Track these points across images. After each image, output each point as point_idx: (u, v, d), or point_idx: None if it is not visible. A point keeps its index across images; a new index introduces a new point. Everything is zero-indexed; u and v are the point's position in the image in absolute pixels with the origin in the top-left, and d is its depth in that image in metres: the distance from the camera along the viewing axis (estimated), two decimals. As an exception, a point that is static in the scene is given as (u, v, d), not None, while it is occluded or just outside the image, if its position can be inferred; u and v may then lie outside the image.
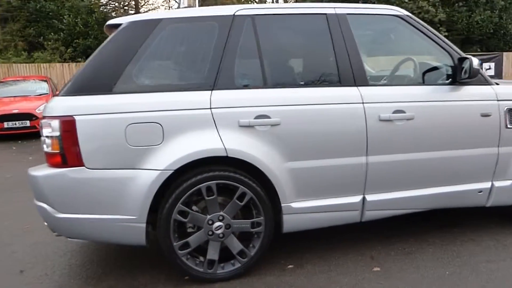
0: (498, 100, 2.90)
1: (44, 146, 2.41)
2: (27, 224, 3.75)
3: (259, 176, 2.54)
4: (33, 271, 2.81)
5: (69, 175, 2.33)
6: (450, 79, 2.89)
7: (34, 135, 9.50)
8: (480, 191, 2.98)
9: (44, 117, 2.41)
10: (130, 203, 2.38)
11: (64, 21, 16.27)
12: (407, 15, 2.87)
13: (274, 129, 2.51)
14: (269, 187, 2.57)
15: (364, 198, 2.75)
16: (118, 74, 2.40)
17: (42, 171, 2.37)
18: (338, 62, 2.67)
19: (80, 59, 15.65)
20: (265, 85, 2.57)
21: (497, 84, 3.00)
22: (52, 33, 16.18)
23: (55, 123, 2.32)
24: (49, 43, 15.87)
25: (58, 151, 2.33)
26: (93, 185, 2.36)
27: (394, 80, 3.09)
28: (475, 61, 2.70)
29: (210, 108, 2.44)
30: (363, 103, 2.65)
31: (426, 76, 2.95)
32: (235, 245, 2.56)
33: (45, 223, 2.51)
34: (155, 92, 2.43)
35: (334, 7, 2.74)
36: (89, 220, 2.39)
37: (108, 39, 2.47)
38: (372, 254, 2.87)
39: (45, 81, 11.00)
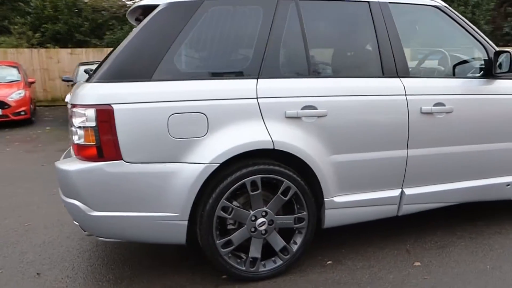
0: (529, 94, 2.91)
1: (75, 137, 2.19)
2: (27, 221, 3.48)
3: (301, 169, 2.43)
4: (52, 274, 2.58)
5: (106, 170, 2.13)
6: (484, 73, 2.87)
7: (6, 124, 8.95)
8: (508, 185, 3.00)
9: (74, 106, 2.18)
10: (172, 200, 2.21)
11: (32, 4, 15.33)
12: (445, 6, 2.81)
13: (320, 121, 2.40)
14: (310, 181, 2.46)
15: (402, 192, 2.69)
16: (158, 60, 2.20)
17: (75, 165, 2.16)
18: (381, 52, 2.58)
19: (49, 45, 14.82)
20: (310, 74, 2.44)
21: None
22: (18, 17, 15.21)
23: (90, 113, 2.11)
24: (15, 27, 14.90)
25: (93, 143, 2.12)
26: (131, 180, 2.17)
27: (430, 71, 3.03)
28: (515, 55, 2.69)
29: (257, 98, 2.29)
30: (406, 95, 2.58)
31: (459, 68, 2.92)
32: (278, 242, 2.45)
33: (75, 222, 2.30)
34: (197, 79, 2.26)
35: (376, -5, 2.64)
36: (126, 219, 2.21)
37: (145, 21, 2.26)
38: (407, 247, 2.83)
39: (16, 67, 10.33)
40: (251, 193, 2.33)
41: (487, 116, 2.81)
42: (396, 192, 2.68)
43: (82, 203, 2.17)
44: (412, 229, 3.12)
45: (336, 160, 2.47)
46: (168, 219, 2.23)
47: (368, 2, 2.61)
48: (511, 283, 2.38)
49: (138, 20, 2.83)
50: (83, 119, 2.14)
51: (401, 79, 2.60)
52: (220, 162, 2.21)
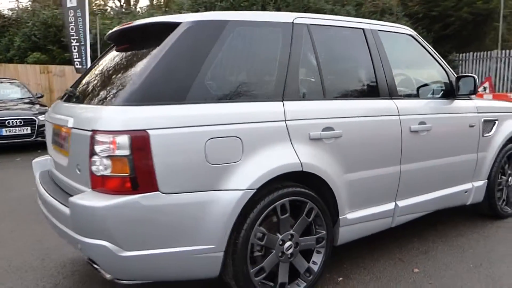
0: (478, 113, 3.40)
1: (96, 167, 1.91)
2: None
3: (317, 189, 2.48)
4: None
5: (141, 203, 1.90)
6: (445, 94, 3.26)
7: None
8: (466, 191, 3.43)
9: (96, 132, 1.91)
10: (208, 231, 2.06)
11: None
12: (417, 35, 3.16)
13: (337, 142, 2.48)
14: (326, 200, 2.52)
15: (396, 205, 2.90)
16: (191, 81, 2.06)
17: (102, 200, 1.87)
18: (376, 75, 2.78)
19: None
20: (324, 96, 2.52)
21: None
22: None
23: (123, 140, 1.86)
24: None
25: (126, 174, 1.88)
26: (168, 213, 1.97)
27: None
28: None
29: (285, 120, 2.28)
30: (399, 115, 2.81)
31: (423, 90, 3.28)
32: (304, 264, 2.43)
33: (96, 266, 1.99)
34: (229, 102, 2.16)
35: (368, 23, 2.85)
36: (160, 256, 1.99)
37: (171, 39, 2.08)
38: (398, 256, 3.04)
39: None
40: (281, 216, 2.29)
41: (453, 132, 3.20)
42: (391, 205, 2.88)
43: (112, 243, 1.89)
44: (392, 238, 3.35)
45: (348, 179, 2.57)
46: (204, 252, 2.07)
47: (362, 29, 2.80)
48: (498, 277, 2.72)
49: (119, 39, 2.65)
50: (108, 146, 1.88)
51: (393, 100, 2.83)
52: (257, 187, 2.14)
